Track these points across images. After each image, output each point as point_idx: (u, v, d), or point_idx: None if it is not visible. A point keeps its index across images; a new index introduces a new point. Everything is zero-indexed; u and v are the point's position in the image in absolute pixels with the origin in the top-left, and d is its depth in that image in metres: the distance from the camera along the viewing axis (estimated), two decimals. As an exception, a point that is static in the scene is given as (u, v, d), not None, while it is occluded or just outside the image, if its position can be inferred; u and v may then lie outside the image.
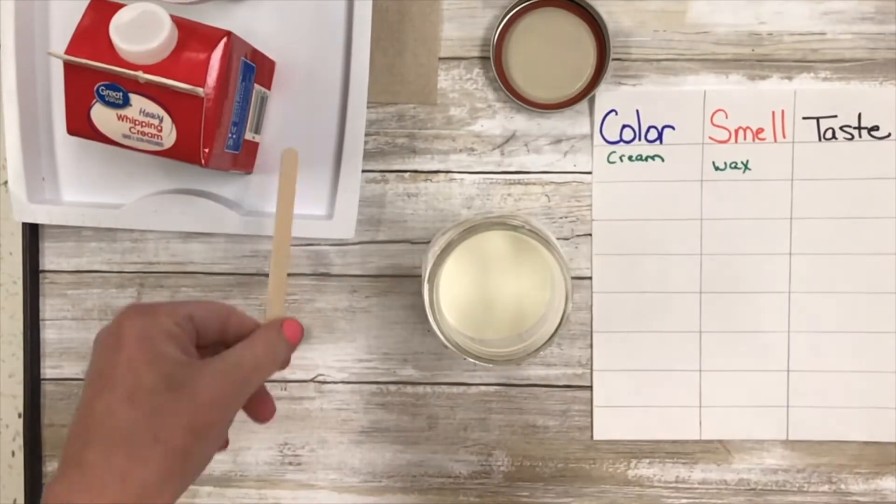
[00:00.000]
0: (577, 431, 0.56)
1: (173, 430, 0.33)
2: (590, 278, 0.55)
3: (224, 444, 0.39)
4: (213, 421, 0.35)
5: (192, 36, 0.44)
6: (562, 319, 0.43)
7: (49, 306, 0.56)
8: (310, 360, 0.56)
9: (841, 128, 0.54)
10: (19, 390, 0.57)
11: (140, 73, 0.43)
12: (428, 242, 0.55)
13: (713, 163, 0.54)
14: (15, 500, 0.57)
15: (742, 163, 0.54)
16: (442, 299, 0.45)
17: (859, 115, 0.54)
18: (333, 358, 0.56)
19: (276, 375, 0.56)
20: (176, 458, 0.33)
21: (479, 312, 0.47)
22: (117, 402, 0.33)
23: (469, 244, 0.44)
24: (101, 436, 0.33)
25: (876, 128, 0.54)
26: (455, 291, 0.47)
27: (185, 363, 0.35)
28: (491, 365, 0.49)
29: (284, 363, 0.40)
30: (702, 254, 0.55)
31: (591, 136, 0.55)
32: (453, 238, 0.43)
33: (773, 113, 0.54)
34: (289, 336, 0.40)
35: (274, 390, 0.56)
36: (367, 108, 0.53)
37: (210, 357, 0.36)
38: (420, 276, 0.49)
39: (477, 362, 0.45)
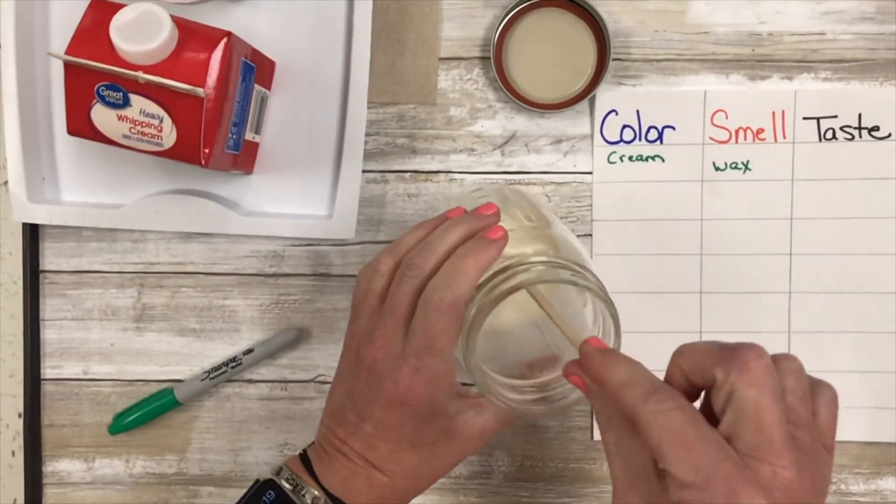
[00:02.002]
0: (578, 431, 0.56)
1: (445, 466, 0.42)
2: (590, 278, 0.55)
3: None
4: (472, 453, 0.42)
5: (192, 36, 0.44)
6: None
7: (49, 306, 0.56)
8: (310, 360, 0.56)
9: (841, 128, 0.54)
10: (19, 390, 0.57)
11: (140, 74, 0.43)
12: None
13: (713, 163, 0.54)
14: (15, 500, 0.57)
15: (742, 163, 0.54)
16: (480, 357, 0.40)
17: (859, 115, 0.54)
18: (334, 358, 0.56)
19: (276, 375, 0.57)
20: (438, 479, 0.43)
21: (520, 360, 0.43)
22: (404, 447, 0.40)
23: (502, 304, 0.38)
24: (387, 468, 0.40)
25: (876, 128, 0.54)
26: (495, 348, 0.42)
27: (461, 413, 0.41)
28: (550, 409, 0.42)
29: None
30: (702, 254, 0.55)
31: (592, 136, 0.55)
32: (482, 305, 0.38)
33: (774, 113, 0.54)
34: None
35: (274, 390, 0.56)
36: (367, 108, 0.53)
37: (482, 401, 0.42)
38: None
39: (544, 412, 0.41)
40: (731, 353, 0.32)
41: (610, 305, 0.38)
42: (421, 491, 0.42)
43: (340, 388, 0.42)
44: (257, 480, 0.42)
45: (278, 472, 0.42)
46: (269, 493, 0.40)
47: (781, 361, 0.33)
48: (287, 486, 0.40)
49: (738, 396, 0.31)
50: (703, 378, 0.34)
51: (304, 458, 0.42)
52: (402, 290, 0.39)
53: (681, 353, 0.35)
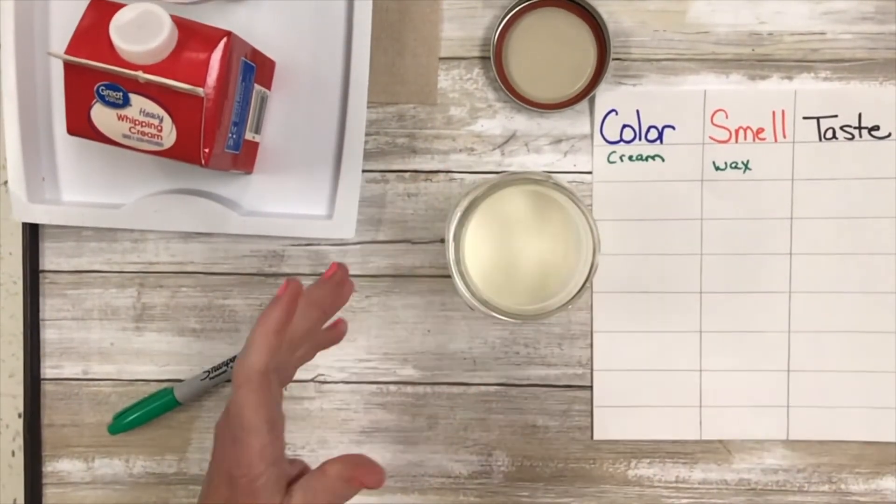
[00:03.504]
0: (578, 431, 0.56)
1: None
2: (590, 278, 0.55)
3: None
4: None
5: (192, 36, 0.44)
6: (590, 271, 0.43)
7: (49, 306, 0.56)
8: (310, 360, 0.56)
9: (841, 128, 0.54)
10: (19, 390, 0.57)
11: (140, 73, 0.43)
12: (428, 242, 0.55)
13: (713, 162, 0.54)
14: (15, 500, 0.57)
15: (742, 163, 0.54)
16: (467, 259, 0.45)
17: (859, 114, 0.54)
18: (333, 358, 0.56)
19: (276, 375, 0.56)
20: None
21: (503, 272, 0.46)
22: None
23: (492, 202, 0.43)
24: None
25: (876, 128, 0.54)
26: (479, 251, 0.46)
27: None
28: (519, 321, 0.46)
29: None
30: (702, 254, 0.55)
31: (592, 135, 0.55)
32: (477, 196, 0.43)
33: (774, 113, 0.54)
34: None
35: (274, 390, 0.56)
36: (367, 107, 0.53)
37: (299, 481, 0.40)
38: (444, 238, 0.48)
39: (506, 319, 0.44)
40: None
41: (584, 207, 0.43)
42: None
43: None
44: None
45: None
46: None
47: None
48: None
49: None
50: None
51: None
52: None
53: None
